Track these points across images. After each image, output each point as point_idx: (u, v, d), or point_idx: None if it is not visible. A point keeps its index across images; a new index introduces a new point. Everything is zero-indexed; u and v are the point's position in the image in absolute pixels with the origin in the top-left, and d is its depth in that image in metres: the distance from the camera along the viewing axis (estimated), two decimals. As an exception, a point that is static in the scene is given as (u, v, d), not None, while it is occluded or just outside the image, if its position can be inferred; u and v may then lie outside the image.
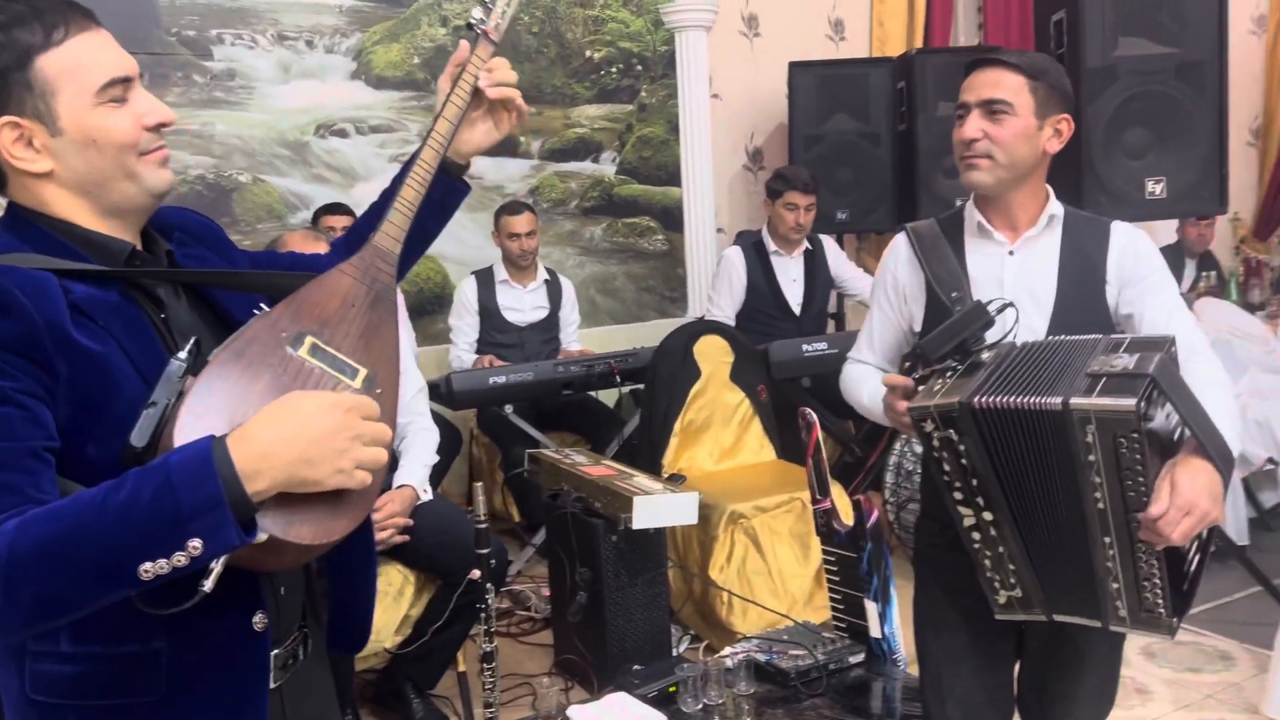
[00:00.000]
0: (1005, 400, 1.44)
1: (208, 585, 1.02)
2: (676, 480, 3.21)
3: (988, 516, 1.51)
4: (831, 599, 2.65)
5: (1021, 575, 1.54)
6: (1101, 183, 3.31)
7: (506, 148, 4.86)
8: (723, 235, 5.37)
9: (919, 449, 3.57)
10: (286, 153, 4.32)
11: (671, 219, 5.28)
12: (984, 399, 1.45)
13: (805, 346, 3.84)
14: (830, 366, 3.55)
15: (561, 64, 4.97)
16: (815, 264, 4.27)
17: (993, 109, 1.70)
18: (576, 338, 4.40)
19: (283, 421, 1.03)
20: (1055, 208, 1.78)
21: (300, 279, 1.22)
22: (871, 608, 2.54)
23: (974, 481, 1.49)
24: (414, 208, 1.30)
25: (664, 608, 2.95)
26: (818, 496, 2.64)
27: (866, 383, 1.86)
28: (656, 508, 2.70)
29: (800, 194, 4.07)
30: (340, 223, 3.91)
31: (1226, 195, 3.42)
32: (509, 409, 3.82)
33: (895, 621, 2.53)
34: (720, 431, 3.49)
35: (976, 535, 1.53)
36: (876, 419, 1.82)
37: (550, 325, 4.32)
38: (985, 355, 1.56)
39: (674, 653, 3.03)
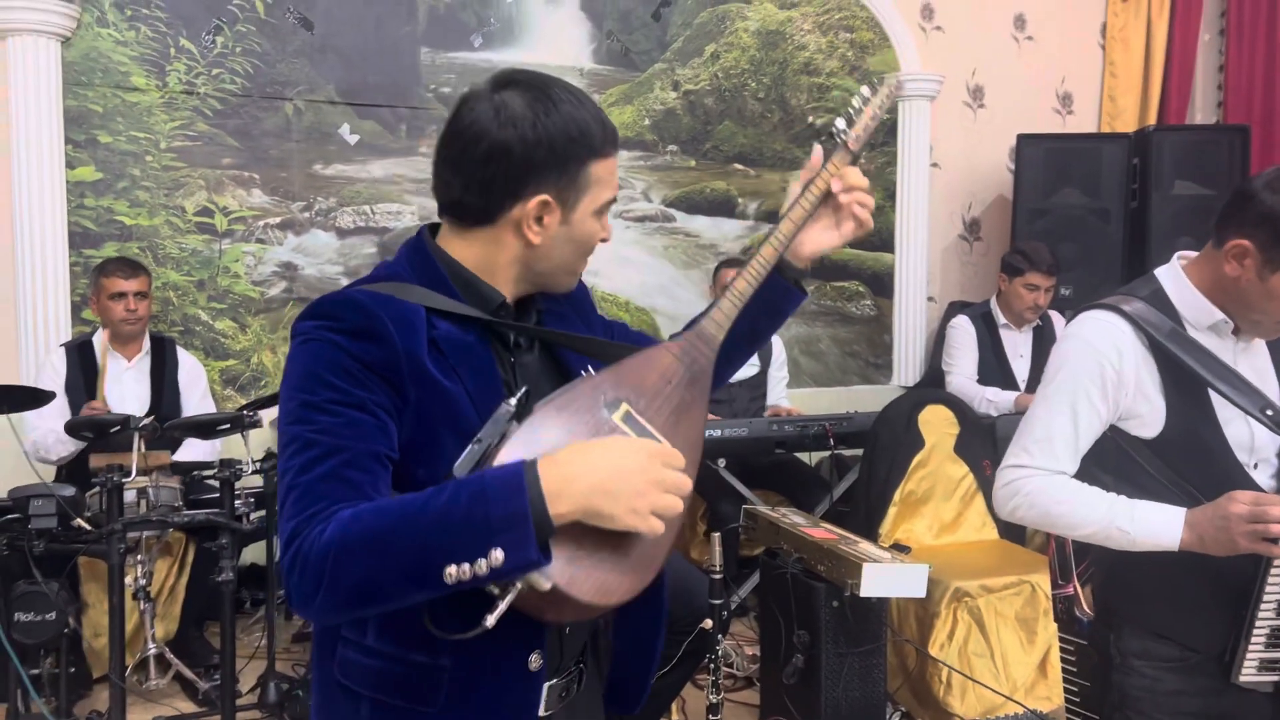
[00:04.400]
0: None
1: (490, 621, 1.08)
2: (901, 550, 3.15)
3: None
4: (1067, 690, 2.53)
5: None
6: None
7: (724, 209, 4.97)
8: (933, 304, 5.30)
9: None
10: (522, 203, 4.55)
11: (881, 285, 5.25)
12: None
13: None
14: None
15: (784, 129, 5.05)
16: (1043, 342, 4.15)
17: None
18: (785, 396, 4.41)
19: (590, 452, 1.10)
20: None
21: (630, 350, 1.30)
22: (1114, 704, 2.42)
23: None
24: (743, 298, 1.34)
25: (881, 680, 2.89)
26: (1059, 581, 2.54)
27: (1115, 506, 1.62)
28: (885, 577, 2.66)
29: (1043, 276, 4.02)
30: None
31: None
32: (721, 463, 3.86)
33: (1139, 722, 2.40)
34: (941, 505, 3.42)
35: None
36: (1130, 545, 1.61)
37: (759, 382, 4.35)
38: None
39: (886, 727, 2.96)
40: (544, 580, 1.08)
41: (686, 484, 1.14)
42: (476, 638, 1.13)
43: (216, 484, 3.14)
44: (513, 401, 1.16)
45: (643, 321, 4.80)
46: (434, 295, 1.23)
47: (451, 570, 1.05)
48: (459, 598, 1.10)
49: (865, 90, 1.44)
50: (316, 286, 4.30)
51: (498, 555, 1.04)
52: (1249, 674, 1.61)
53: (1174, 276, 1.70)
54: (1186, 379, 1.63)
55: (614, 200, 1.29)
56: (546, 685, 1.28)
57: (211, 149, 4.17)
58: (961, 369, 4.15)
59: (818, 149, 1.41)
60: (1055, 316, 4.28)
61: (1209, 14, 5.62)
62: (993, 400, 3.99)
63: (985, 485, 3.48)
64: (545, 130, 1.20)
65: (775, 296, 1.44)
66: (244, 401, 4.01)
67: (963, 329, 4.21)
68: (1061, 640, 2.58)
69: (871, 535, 3.36)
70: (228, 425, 3.20)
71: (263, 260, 4.27)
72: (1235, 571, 1.59)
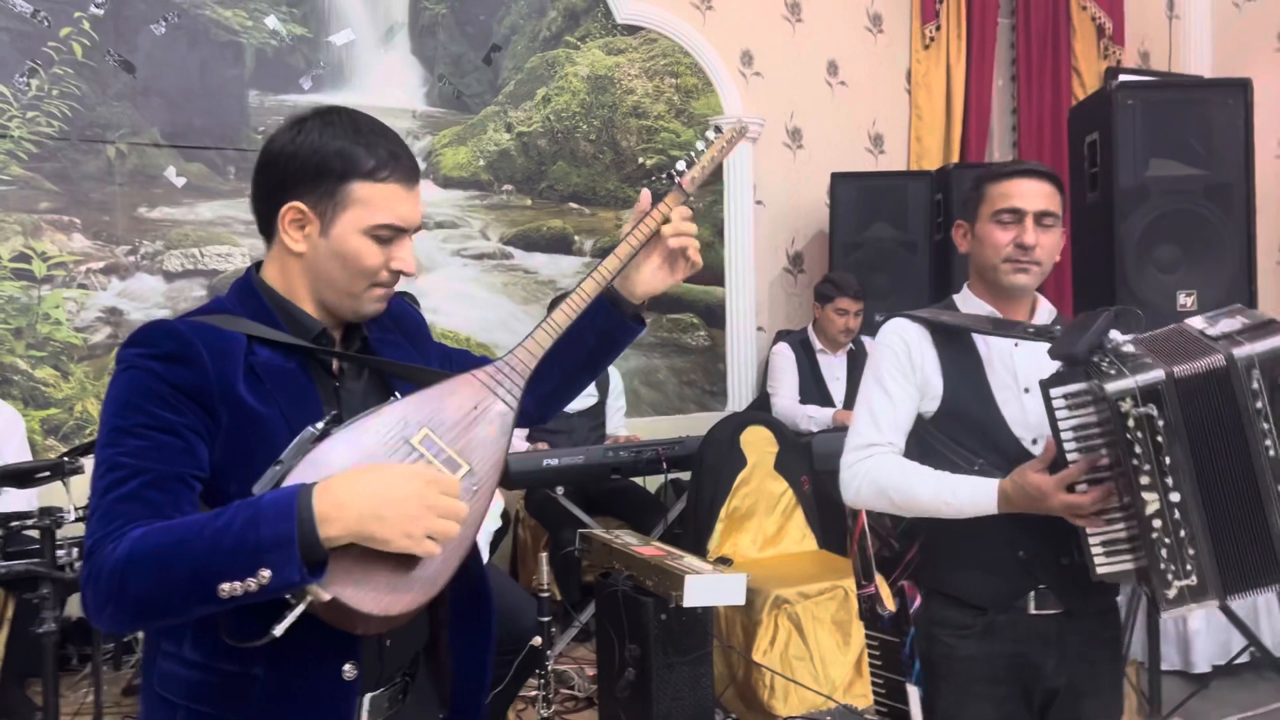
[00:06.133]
0: (1192, 367, 1.55)
1: (278, 630, 1.16)
2: (724, 563, 3.33)
3: (1174, 498, 1.57)
4: (874, 683, 2.73)
5: (1201, 558, 1.58)
6: (1134, 294, 3.48)
7: (561, 246, 5.12)
8: (762, 333, 5.57)
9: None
10: (357, 243, 4.58)
11: (714, 316, 5.49)
12: (1179, 369, 1.56)
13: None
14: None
15: (616, 169, 5.26)
16: (857, 365, 4.46)
17: (1044, 220, 1.86)
18: (623, 424, 4.56)
19: (365, 479, 1.17)
20: (1049, 307, 1.95)
21: (443, 376, 1.36)
22: (914, 692, 2.62)
23: (1166, 460, 1.56)
24: (559, 329, 1.40)
25: (709, 687, 3.04)
26: (862, 581, 2.74)
27: (941, 480, 1.81)
28: (706, 587, 2.82)
29: (850, 300, 4.33)
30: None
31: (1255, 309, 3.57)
32: (560, 491, 3.96)
33: (936, 706, 2.61)
34: (764, 520, 3.62)
35: (1158, 523, 1.58)
36: (957, 514, 1.79)
37: (598, 412, 4.49)
38: (1128, 347, 1.64)
39: (717, 733, 3.11)
40: (324, 593, 1.15)
41: (461, 510, 1.20)
42: (290, 647, 1.19)
43: (35, 534, 3.05)
44: (319, 425, 1.22)
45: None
46: (256, 325, 1.30)
47: (225, 587, 1.12)
48: (262, 608, 1.16)
49: (710, 134, 1.53)
50: (144, 331, 4.21)
51: (265, 574, 1.11)
52: (1102, 563, 1.68)
53: (962, 292, 2.01)
54: (961, 361, 1.89)
55: (394, 228, 1.32)
56: (368, 697, 1.33)
57: (27, 193, 4.05)
58: (784, 391, 4.41)
59: (646, 192, 1.50)
60: (868, 341, 4.60)
61: (1001, 61, 6.15)
62: (813, 416, 4.26)
63: (804, 500, 3.71)
64: (303, 144, 1.30)
65: (612, 329, 1.52)
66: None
67: (783, 354, 4.48)
68: (867, 637, 2.79)
69: (700, 551, 3.54)
70: (47, 473, 3.11)
71: (85, 306, 4.16)
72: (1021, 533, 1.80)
